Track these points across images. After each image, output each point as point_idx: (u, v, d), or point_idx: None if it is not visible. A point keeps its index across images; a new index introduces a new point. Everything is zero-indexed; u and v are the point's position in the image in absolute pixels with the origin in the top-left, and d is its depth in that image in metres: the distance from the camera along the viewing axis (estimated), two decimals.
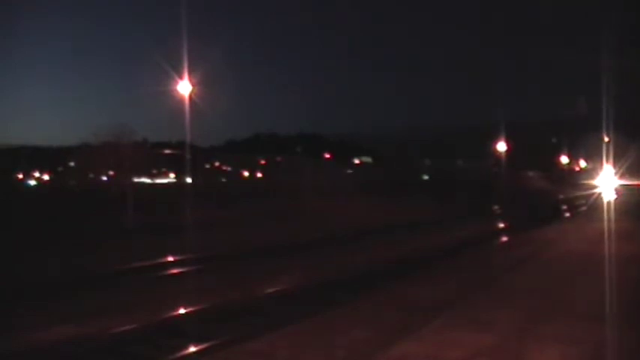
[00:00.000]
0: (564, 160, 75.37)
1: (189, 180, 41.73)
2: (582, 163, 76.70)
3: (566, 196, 49.41)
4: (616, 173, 41.49)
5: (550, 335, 6.63)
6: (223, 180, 78.95)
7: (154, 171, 70.11)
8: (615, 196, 36.21)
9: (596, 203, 36.72)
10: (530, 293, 9.27)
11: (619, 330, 6.68)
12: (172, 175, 75.61)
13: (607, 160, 40.82)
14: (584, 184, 55.44)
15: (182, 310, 9.03)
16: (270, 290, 10.53)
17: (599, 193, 41.72)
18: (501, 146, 52.92)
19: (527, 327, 7.02)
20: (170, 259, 14.07)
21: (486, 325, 6.98)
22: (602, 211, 28.57)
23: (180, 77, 24.22)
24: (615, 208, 28.92)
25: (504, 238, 21.24)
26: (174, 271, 13.17)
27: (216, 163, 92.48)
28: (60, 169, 75.95)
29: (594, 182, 52.51)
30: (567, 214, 33.70)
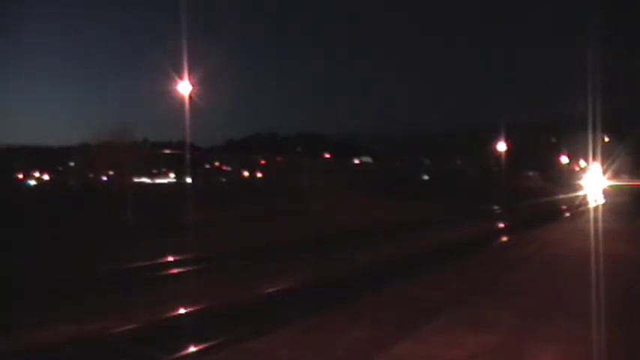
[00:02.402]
0: (564, 160, 75.34)
1: (189, 180, 41.70)
2: (582, 163, 76.65)
3: (566, 195, 49.45)
4: (604, 173, 41.19)
5: (550, 335, 6.65)
6: (223, 180, 78.84)
7: (154, 171, 70.01)
8: (604, 200, 35.83)
9: (589, 204, 36.73)
10: (531, 293, 9.29)
11: (620, 330, 6.70)
12: (172, 175, 75.51)
13: (596, 161, 40.71)
14: (581, 184, 55.30)
15: (182, 310, 9.06)
16: (270, 290, 10.56)
17: (585, 196, 41.14)
18: (501, 146, 52.96)
19: (527, 327, 7.04)
20: (170, 259, 14.10)
21: (487, 325, 7.00)
22: (601, 212, 28.64)
23: (181, 77, 24.29)
24: (613, 209, 28.96)
25: (504, 238, 21.28)
26: (174, 271, 13.19)
27: (216, 163, 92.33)
28: (60, 169, 75.83)
29: (582, 183, 52.26)
30: (567, 214, 33.74)
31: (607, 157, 38.34)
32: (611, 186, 42.00)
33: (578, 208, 37.59)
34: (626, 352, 6.14)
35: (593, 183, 44.33)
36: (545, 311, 7.91)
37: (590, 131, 31.40)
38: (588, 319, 7.19)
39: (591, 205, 37.22)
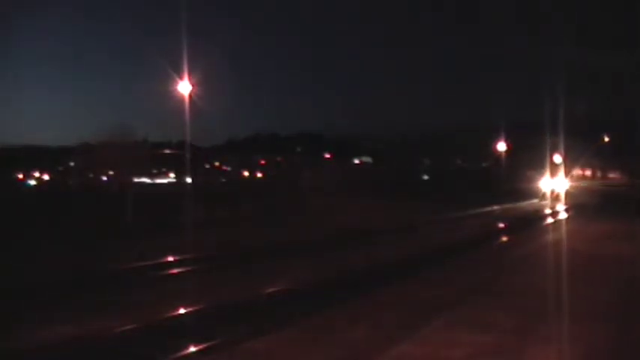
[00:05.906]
0: (557, 159, 75.20)
1: (189, 180, 41.76)
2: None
3: (564, 195, 49.47)
4: (567, 174, 40.55)
5: (550, 335, 6.65)
6: (223, 180, 78.90)
7: (154, 171, 70.11)
8: (566, 214, 34.27)
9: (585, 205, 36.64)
10: (531, 293, 9.30)
11: (618, 329, 6.71)
12: (172, 175, 75.56)
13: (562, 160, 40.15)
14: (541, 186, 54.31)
15: (182, 310, 9.05)
16: (270, 290, 10.56)
17: (539, 210, 39.09)
18: (501, 146, 53.01)
19: (527, 327, 7.04)
20: (170, 258, 14.09)
21: (487, 325, 7.00)
22: (598, 212, 28.75)
23: (181, 77, 24.34)
24: (608, 208, 29.06)
25: (504, 238, 21.27)
26: (175, 270, 13.18)
27: (216, 163, 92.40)
28: (60, 168, 75.92)
29: (540, 186, 51.14)
30: (565, 214, 33.75)
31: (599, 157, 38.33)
32: (577, 187, 41.60)
33: (576, 208, 37.62)
34: (626, 353, 6.14)
35: (557, 184, 44.24)
36: (544, 311, 7.91)
37: (547, 130, 31.38)
38: (587, 318, 7.20)
39: (590, 205, 37.25)
